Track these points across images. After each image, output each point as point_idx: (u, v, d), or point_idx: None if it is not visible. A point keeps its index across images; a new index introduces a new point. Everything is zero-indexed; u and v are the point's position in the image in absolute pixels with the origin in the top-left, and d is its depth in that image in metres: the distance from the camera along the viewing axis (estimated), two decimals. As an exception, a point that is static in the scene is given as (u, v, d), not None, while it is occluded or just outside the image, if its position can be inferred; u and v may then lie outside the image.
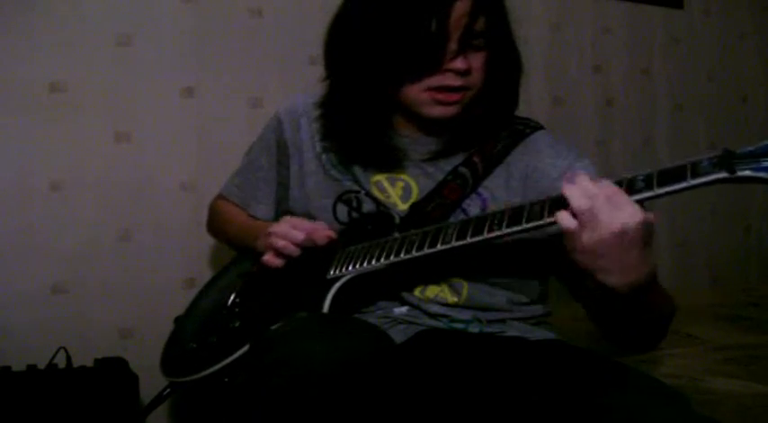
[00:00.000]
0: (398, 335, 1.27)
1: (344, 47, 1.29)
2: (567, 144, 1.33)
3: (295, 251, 1.29)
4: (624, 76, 2.63)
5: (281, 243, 1.29)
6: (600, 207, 0.95)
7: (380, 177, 1.33)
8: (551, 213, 1.02)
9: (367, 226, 1.29)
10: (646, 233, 0.96)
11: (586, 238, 0.96)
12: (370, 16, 1.24)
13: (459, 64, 1.21)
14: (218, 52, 2.02)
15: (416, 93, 1.24)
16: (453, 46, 1.21)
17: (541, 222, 1.05)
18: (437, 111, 1.25)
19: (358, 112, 1.29)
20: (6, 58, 1.82)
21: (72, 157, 1.88)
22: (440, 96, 1.24)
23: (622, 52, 2.62)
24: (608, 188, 0.97)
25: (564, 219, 0.98)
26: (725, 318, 2.10)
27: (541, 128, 1.34)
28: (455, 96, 1.24)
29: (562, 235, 1.00)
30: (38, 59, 1.84)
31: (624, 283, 0.98)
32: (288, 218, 1.32)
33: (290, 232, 1.29)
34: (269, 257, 1.32)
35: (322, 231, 1.28)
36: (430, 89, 1.23)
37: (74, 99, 1.88)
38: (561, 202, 1.01)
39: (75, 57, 1.87)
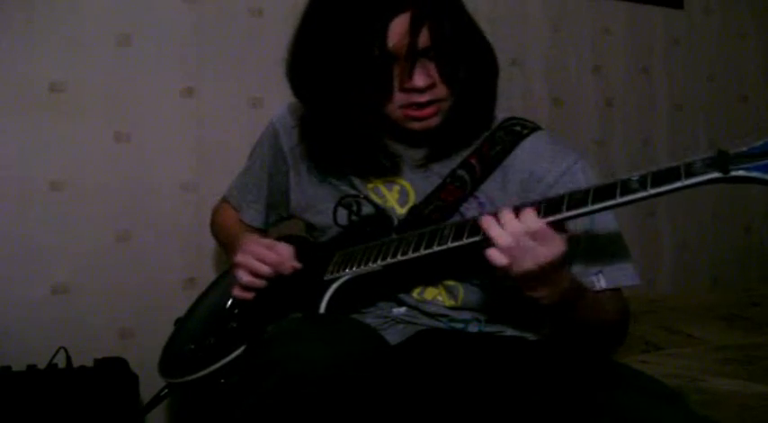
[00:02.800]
0: (397, 335, 1.27)
1: (304, 77, 1.26)
2: (566, 145, 1.31)
3: (261, 284, 1.29)
4: (624, 76, 2.63)
5: (245, 279, 1.29)
6: (526, 244, 1.03)
7: (377, 182, 1.33)
8: (546, 214, 1.05)
9: (366, 228, 1.29)
10: (564, 257, 1.06)
11: (516, 268, 1.05)
12: (317, 47, 1.21)
13: (416, 82, 1.17)
14: (218, 52, 2.02)
15: (391, 111, 1.22)
16: (404, 65, 1.17)
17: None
18: (416, 126, 1.23)
19: (337, 135, 1.27)
20: (6, 57, 1.82)
21: (72, 157, 1.88)
22: (413, 114, 1.21)
23: (622, 52, 2.63)
24: (532, 222, 1.03)
25: (494, 256, 1.05)
26: (725, 318, 2.09)
27: (539, 129, 1.32)
28: (428, 111, 1.21)
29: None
30: (38, 59, 1.84)
31: (549, 295, 1.09)
32: (252, 247, 1.29)
33: (254, 265, 1.28)
34: (237, 292, 1.32)
35: (287, 264, 1.26)
36: (402, 107, 1.21)
37: (74, 99, 1.88)
38: (555, 203, 1.05)
39: (75, 57, 1.88)
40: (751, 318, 2.08)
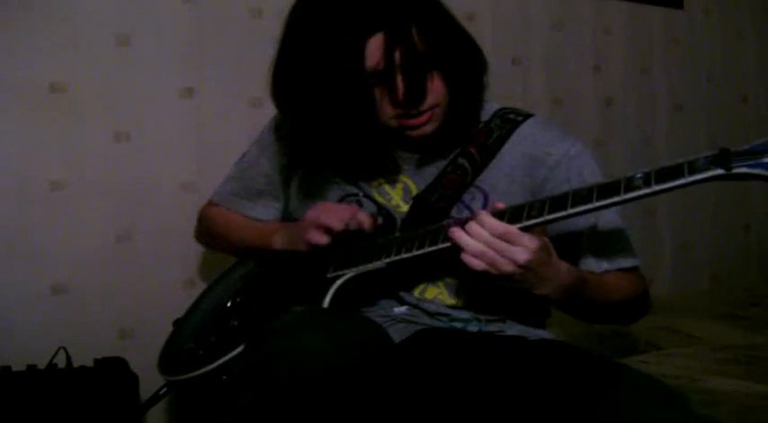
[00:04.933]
0: (398, 334, 1.27)
1: (287, 99, 1.26)
2: (561, 129, 1.33)
3: (341, 227, 1.22)
4: (624, 76, 2.63)
5: (331, 221, 1.22)
6: (498, 247, 1.05)
7: (380, 181, 1.33)
8: (551, 210, 1.06)
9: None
10: (547, 251, 1.08)
11: (495, 272, 1.07)
12: (297, 72, 1.20)
13: (401, 96, 1.18)
14: (218, 52, 2.02)
15: (386, 121, 1.22)
16: (387, 83, 1.18)
17: (541, 220, 1.07)
18: (413, 133, 1.24)
19: (326, 149, 1.26)
20: (6, 58, 1.82)
21: (72, 157, 1.88)
22: (408, 123, 1.22)
23: (622, 52, 2.63)
24: (498, 228, 1.06)
25: (471, 261, 1.07)
26: (725, 318, 2.10)
27: (533, 115, 1.33)
28: (421, 119, 1.22)
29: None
30: (38, 59, 1.84)
31: (553, 291, 1.11)
32: (326, 205, 1.27)
33: (338, 211, 1.24)
34: (313, 235, 1.24)
35: (364, 215, 1.24)
36: (396, 117, 1.22)
37: (74, 99, 1.88)
38: (560, 201, 1.06)
39: (75, 57, 1.87)
40: (751, 318, 2.09)
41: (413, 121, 1.22)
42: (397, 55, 1.15)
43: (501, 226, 1.06)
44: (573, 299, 1.16)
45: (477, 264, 1.07)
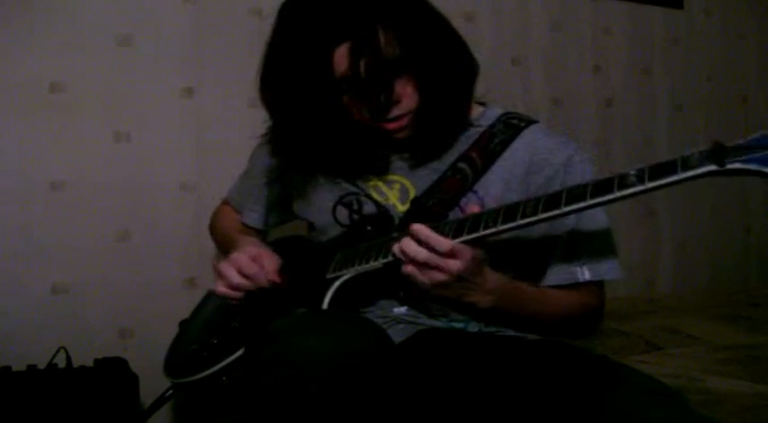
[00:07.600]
0: (398, 334, 1.27)
1: (271, 105, 1.29)
2: (563, 136, 1.32)
3: (237, 296, 1.28)
4: (624, 76, 2.63)
5: (219, 289, 1.29)
6: (430, 260, 1.06)
7: (377, 181, 1.33)
8: (545, 209, 1.05)
9: (366, 227, 1.29)
10: (478, 263, 1.09)
11: (423, 282, 1.08)
12: (277, 77, 1.24)
13: (370, 106, 1.19)
14: (218, 52, 2.02)
15: (368, 122, 1.23)
16: (356, 91, 1.19)
17: (534, 218, 1.06)
18: (398, 136, 1.25)
19: (314, 150, 1.28)
20: (6, 58, 1.82)
21: (72, 157, 1.88)
22: (386, 126, 1.23)
23: (622, 52, 2.63)
24: (436, 241, 1.06)
25: (412, 272, 1.08)
26: (725, 318, 2.10)
27: (535, 121, 1.33)
28: (398, 124, 1.23)
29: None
30: (38, 59, 1.85)
31: (480, 299, 1.12)
32: (236, 256, 1.29)
33: (231, 277, 1.27)
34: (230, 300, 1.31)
35: (264, 278, 1.27)
36: (374, 121, 1.22)
37: (74, 99, 1.88)
38: (554, 198, 1.05)
39: (75, 57, 1.88)
40: (751, 318, 2.08)
41: (391, 126, 1.22)
42: (363, 64, 1.16)
43: (439, 241, 1.07)
44: (504, 308, 1.16)
45: (421, 277, 1.08)
